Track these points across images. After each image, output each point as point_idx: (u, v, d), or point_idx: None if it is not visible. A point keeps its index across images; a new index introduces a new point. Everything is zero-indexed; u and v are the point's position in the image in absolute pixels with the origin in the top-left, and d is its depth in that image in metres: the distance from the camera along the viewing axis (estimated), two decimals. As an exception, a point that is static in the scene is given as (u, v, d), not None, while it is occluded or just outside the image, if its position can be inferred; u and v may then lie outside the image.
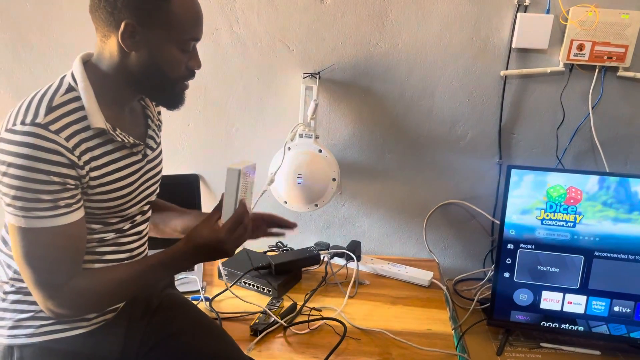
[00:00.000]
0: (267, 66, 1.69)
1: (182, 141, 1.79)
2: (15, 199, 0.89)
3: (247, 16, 1.64)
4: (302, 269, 1.67)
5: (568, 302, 1.45)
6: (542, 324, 1.48)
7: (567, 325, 1.47)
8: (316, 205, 1.69)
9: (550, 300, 1.46)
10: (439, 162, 1.77)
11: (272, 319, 1.39)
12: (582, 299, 1.44)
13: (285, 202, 1.70)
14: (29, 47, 1.69)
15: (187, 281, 1.57)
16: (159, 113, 1.21)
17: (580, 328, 1.46)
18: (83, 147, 0.93)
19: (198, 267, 1.66)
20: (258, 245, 1.81)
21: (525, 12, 1.58)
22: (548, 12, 1.57)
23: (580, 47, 1.58)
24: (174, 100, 1.06)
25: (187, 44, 0.99)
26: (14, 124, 0.89)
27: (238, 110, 1.75)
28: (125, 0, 0.91)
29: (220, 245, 1.01)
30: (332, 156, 1.66)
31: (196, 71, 1.04)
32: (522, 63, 1.64)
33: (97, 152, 0.96)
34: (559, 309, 1.46)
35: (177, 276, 1.55)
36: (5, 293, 1.03)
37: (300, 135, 1.64)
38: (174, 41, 0.96)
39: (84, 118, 0.94)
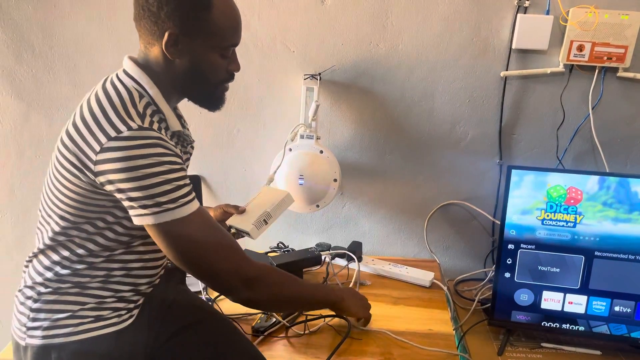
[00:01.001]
0: (267, 67, 1.70)
1: (184, 142, 1.79)
2: (159, 196, 0.91)
3: (247, 18, 1.65)
4: (304, 270, 1.67)
5: (569, 302, 1.46)
6: (542, 324, 1.48)
7: (568, 325, 1.47)
8: (317, 206, 1.69)
9: (551, 300, 1.46)
10: (440, 163, 1.77)
11: (274, 320, 1.39)
12: (582, 299, 1.45)
13: (287, 203, 1.70)
14: (30, 48, 1.70)
15: (190, 282, 1.57)
16: None
17: (581, 328, 1.47)
18: (173, 143, 1.00)
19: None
20: (259, 246, 1.82)
21: (525, 13, 1.59)
22: (548, 13, 1.57)
23: (580, 48, 1.58)
24: (216, 102, 1.12)
25: (227, 50, 1.04)
26: (118, 132, 0.90)
27: (239, 112, 1.76)
28: (168, 11, 0.94)
29: (362, 300, 1.36)
30: (333, 157, 1.67)
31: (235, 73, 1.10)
32: (522, 64, 1.65)
33: (178, 150, 1.02)
34: (559, 309, 1.46)
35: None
36: (40, 294, 1.04)
37: (302, 136, 1.65)
38: (215, 48, 1.01)
39: (163, 120, 1.00)
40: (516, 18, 1.59)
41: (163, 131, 0.98)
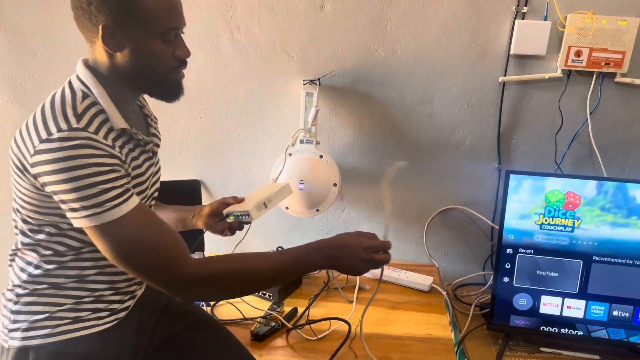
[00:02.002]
0: (267, 73, 1.71)
1: (184, 147, 1.80)
2: (85, 199, 0.90)
3: (247, 23, 1.66)
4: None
5: (567, 307, 1.46)
6: (541, 328, 1.49)
7: (567, 329, 1.47)
8: (317, 210, 1.70)
9: (550, 305, 1.47)
10: (439, 168, 1.78)
11: (273, 324, 1.39)
12: (581, 303, 1.45)
13: (287, 208, 1.71)
14: (31, 54, 1.71)
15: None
16: None
17: (580, 332, 1.47)
18: (117, 144, 0.98)
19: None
20: (258, 250, 1.82)
21: (523, 19, 1.59)
22: (546, 18, 1.58)
23: (578, 54, 1.59)
24: (171, 93, 1.06)
25: (168, 35, 0.98)
26: (49, 134, 0.90)
27: (239, 117, 1.76)
28: (97, 4, 0.93)
29: (358, 253, 1.05)
30: (333, 161, 1.67)
31: (187, 59, 1.04)
32: (521, 69, 1.65)
33: (125, 150, 1.00)
34: (558, 313, 1.47)
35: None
36: (18, 296, 1.04)
37: (301, 141, 1.66)
38: (153, 35, 0.97)
39: (107, 120, 0.97)
40: (514, 24, 1.60)
41: (104, 130, 0.95)
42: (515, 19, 1.60)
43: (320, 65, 1.69)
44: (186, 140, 1.79)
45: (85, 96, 0.97)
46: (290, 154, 1.66)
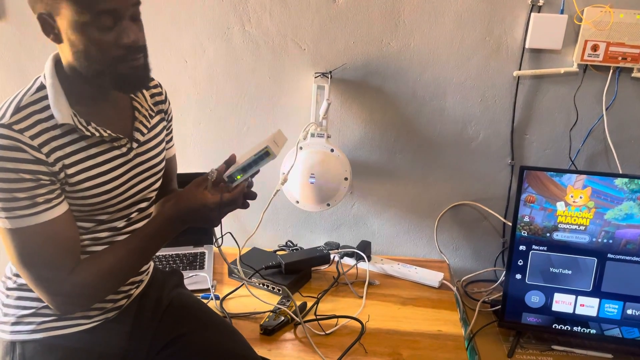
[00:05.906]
0: (278, 65, 1.69)
1: (193, 140, 1.79)
2: None
3: (259, 15, 1.64)
4: (312, 269, 1.66)
5: (580, 305, 1.44)
6: (553, 326, 1.47)
7: (579, 327, 1.46)
8: (328, 204, 1.69)
9: (562, 303, 1.45)
10: (451, 163, 1.76)
11: (282, 319, 1.39)
12: (594, 301, 1.43)
13: (297, 202, 1.70)
14: (42, 45, 1.70)
15: (198, 279, 1.57)
16: (161, 102, 1.17)
17: (593, 331, 1.45)
18: (53, 144, 0.92)
19: (208, 265, 1.66)
20: (268, 244, 1.82)
21: (539, 12, 1.57)
22: (562, 12, 1.56)
23: (595, 48, 1.57)
24: (126, 83, 0.96)
25: (103, 20, 0.88)
26: None
27: (249, 109, 1.75)
28: None
29: (208, 212, 0.99)
30: (344, 156, 1.66)
31: (140, 44, 0.94)
32: (536, 63, 1.63)
33: (69, 149, 0.94)
34: (571, 311, 1.45)
35: (187, 274, 1.56)
36: (9, 289, 1.04)
37: (312, 135, 1.64)
38: (86, 21, 0.87)
39: (52, 117, 0.92)
40: (530, 17, 1.57)
41: (39, 128, 0.90)
42: (530, 12, 1.57)
43: (331, 58, 1.67)
44: (196, 133, 1.79)
45: (40, 88, 0.94)
46: (301, 148, 1.65)
